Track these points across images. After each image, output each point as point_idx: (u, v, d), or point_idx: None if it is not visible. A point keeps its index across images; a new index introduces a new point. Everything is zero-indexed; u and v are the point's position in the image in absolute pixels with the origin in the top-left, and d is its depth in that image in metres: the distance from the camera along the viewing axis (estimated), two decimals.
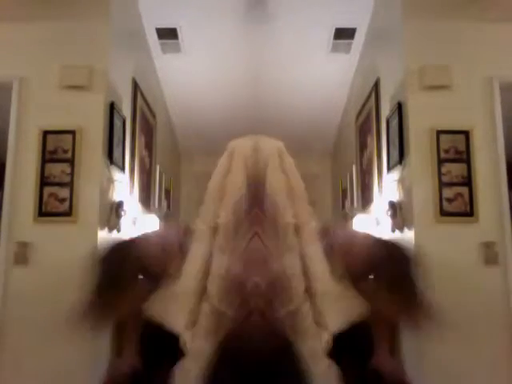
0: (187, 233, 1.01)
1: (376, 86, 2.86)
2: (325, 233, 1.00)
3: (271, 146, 1.03)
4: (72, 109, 2.24)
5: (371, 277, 1.04)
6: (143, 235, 1.09)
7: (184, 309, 0.93)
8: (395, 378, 1.09)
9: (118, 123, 2.39)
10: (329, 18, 3.00)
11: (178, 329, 0.93)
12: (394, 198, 2.43)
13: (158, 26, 3.07)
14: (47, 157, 2.18)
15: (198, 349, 0.91)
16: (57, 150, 2.18)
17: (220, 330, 0.91)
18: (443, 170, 2.19)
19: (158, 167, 3.25)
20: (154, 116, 3.37)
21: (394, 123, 2.41)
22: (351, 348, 1.06)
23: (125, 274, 1.00)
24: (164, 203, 3.36)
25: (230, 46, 3.32)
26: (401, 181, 2.35)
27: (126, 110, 2.61)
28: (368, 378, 1.10)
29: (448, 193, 2.17)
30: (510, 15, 2.35)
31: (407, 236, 2.24)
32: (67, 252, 2.11)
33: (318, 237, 0.98)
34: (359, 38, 3.18)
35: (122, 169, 2.52)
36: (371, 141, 2.96)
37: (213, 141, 2.94)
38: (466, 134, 2.22)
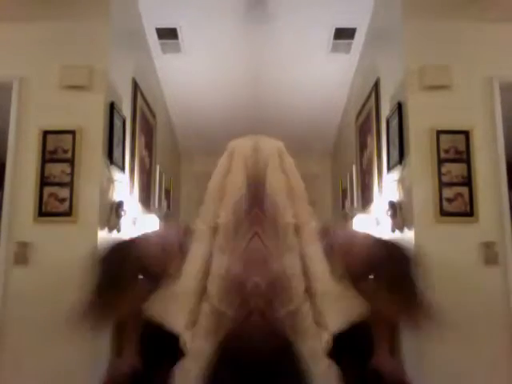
0: (187, 233, 1.01)
1: (376, 86, 2.86)
2: (325, 233, 1.00)
3: (271, 146, 1.03)
4: (72, 109, 2.24)
5: (371, 277, 1.04)
6: (143, 235, 1.09)
7: (184, 309, 0.93)
8: (395, 377, 1.09)
9: (118, 123, 2.39)
10: (329, 18, 3.00)
11: (178, 329, 0.93)
12: (394, 197, 2.43)
13: (158, 26, 3.07)
14: (47, 157, 2.18)
15: (198, 349, 0.91)
16: (57, 150, 2.18)
17: (220, 330, 0.91)
18: (443, 169, 2.19)
19: (157, 167, 3.25)
20: (154, 116, 3.37)
21: (394, 123, 2.41)
22: (351, 348, 1.06)
23: (125, 274, 1.00)
24: (164, 203, 3.36)
25: (230, 46, 3.32)
26: (401, 181, 2.36)
27: (126, 109, 2.61)
28: (368, 377, 1.10)
29: (448, 193, 2.17)
30: (510, 15, 2.35)
31: (407, 236, 2.24)
32: (67, 252, 2.11)
33: (318, 237, 0.98)
34: (359, 38, 3.18)
35: (122, 169, 2.52)
36: (371, 141, 2.97)
37: (213, 141, 2.94)
38: (466, 133, 2.22)
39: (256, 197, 0.96)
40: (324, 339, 0.93)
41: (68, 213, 2.13)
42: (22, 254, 2.12)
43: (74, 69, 2.25)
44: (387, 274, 0.99)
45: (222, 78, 3.64)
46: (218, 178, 1.01)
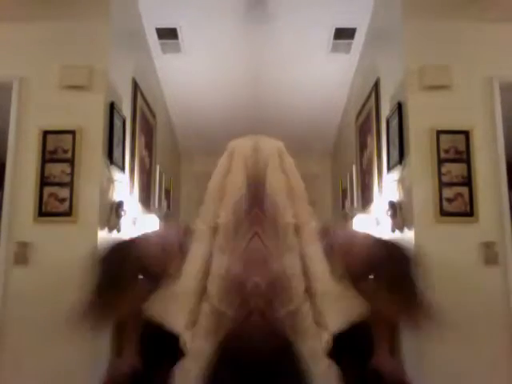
0: (187, 233, 1.01)
1: (376, 86, 2.86)
2: (325, 233, 1.00)
3: (271, 145, 1.03)
4: (72, 109, 2.24)
5: (371, 277, 1.04)
6: (143, 235, 1.09)
7: (184, 309, 0.93)
8: (395, 377, 1.08)
9: (118, 123, 2.40)
10: (329, 18, 3.00)
11: (178, 329, 0.93)
12: (393, 197, 2.43)
13: (158, 26, 3.07)
14: (47, 157, 2.18)
15: (197, 349, 0.91)
16: (57, 150, 2.18)
17: (220, 330, 0.90)
18: (443, 170, 2.19)
19: (157, 167, 3.25)
20: (154, 116, 3.37)
21: (394, 123, 2.41)
22: (351, 348, 1.06)
23: (125, 274, 1.00)
24: (164, 203, 3.36)
25: (230, 46, 3.32)
26: (401, 181, 2.36)
27: (126, 110, 2.61)
28: (368, 377, 1.10)
29: (448, 193, 2.17)
30: (510, 15, 2.35)
31: (407, 236, 2.24)
32: (67, 252, 2.11)
33: (318, 237, 0.98)
34: (359, 38, 3.18)
35: (122, 169, 2.52)
36: (371, 141, 2.97)
37: (213, 141, 2.94)
38: (466, 133, 2.22)
39: (256, 197, 0.96)
40: (324, 339, 0.93)
41: (68, 213, 2.13)
42: (22, 254, 2.12)
43: (74, 69, 2.26)
44: (387, 274, 0.99)
45: (222, 78, 3.64)
46: (217, 178, 1.01)
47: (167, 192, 3.64)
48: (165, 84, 3.70)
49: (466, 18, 2.35)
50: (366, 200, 3.15)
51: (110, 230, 2.29)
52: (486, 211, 2.17)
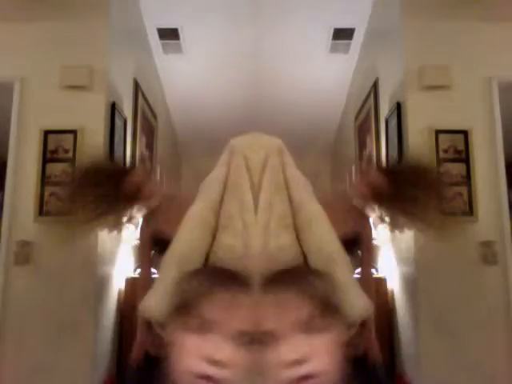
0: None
1: (375, 86, 2.87)
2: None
3: (271, 143, 1.04)
4: (73, 109, 2.25)
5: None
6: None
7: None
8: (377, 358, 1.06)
9: (119, 123, 2.40)
10: (327, 19, 3.01)
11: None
12: None
13: (160, 27, 3.08)
14: (48, 156, 2.18)
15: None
16: (58, 150, 2.19)
17: None
18: (442, 169, 2.19)
19: (158, 167, 3.26)
20: (155, 117, 3.38)
21: (393, 123, 2.42)
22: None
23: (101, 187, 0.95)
24: None
25: (231, 46, 3.33)
26: None
27: (127, 110, 2.62)
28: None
29: (447, 192, 2.17)
30: (510, 15, 2.36)
31: (407, 236, 2.25)
32: (68, 252, 2.12)
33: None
34: (358, 39, 3.19)
35: None
36: (370, 141, 2.97)
37: (213, 141, 2.94)
38: (465, 133, 2.23)
39: (255, 195, 0.97)
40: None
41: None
42: (22, 254, 2.13)
43: (75, 69, 2.26)
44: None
45: (222, 78, 3.65)
46: (215, 174, 1.01)
47: None
48: (166, 84, 3.70)
49: (465, 18, 2.36)
50: None
51: (110, 230, 2.29)
52: (485, 210, 2.18)
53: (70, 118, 2.23)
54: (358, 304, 0.85)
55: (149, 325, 0.91)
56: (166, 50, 3.32)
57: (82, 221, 0.92)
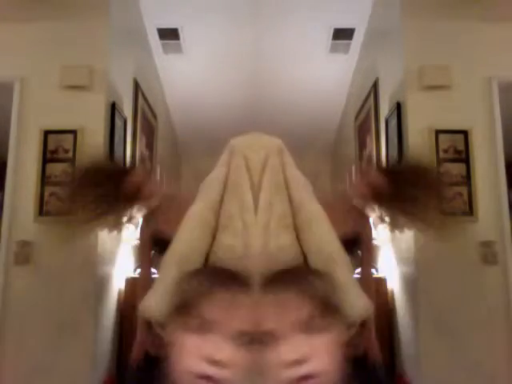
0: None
1: (375, 86, 2.87)
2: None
3: (271, 143, 1.04)
4: (73, 109, 2.25)
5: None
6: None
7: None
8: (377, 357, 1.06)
9: (119, 123, 2.40)
10: (327, 19, 3.01)
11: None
12: None
13: (160, 27, 3.08)
14: (48, 156, 2.18)
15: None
16: (58, 150, 2.19)
17: None
18: (442, 169, 2.19)
19: (158, 167, 3.26)
20: (155, 117, 3.38)
21: (393, 123, 2.42)
22: None
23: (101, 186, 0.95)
24: None
25: (231, 46, 3.33)
26: None
27: (127, 110, 2.62)
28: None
29: (447, 192, 2.17)
30: (510, 15, 2.36)
31: (407, 236, 2.25)
32: (68, 252, 2.12)
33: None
34: (358, 39, 3.19)
35: None
36: (370, 141, 2.97)
37: (213, 141, 2.94)
38: (465, 133, 2.23)
39: (255, 195, 0.97)
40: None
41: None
42: (22, 254, 2.13)
43: (75, 69, 2.26)
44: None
45: (222, 78, 3.65)
46: (215, 174, 1.01)
47: None
48: (166, 84, 3.71)
49: (465, 18, 2.36)
50: None
51: (110, 230, 2.29)
52: (485, 210, 2.18)
53: (70, 117, 2.23)
54: (357, 304, 0.85)
55: (149, 325, 0.91)
56: (166, 49, 3.32)
57: (82, 221, 0.92)
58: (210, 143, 3.58)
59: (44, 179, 2.16)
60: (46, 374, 2.03)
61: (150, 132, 3.22)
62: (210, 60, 3.48)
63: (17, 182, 2.19)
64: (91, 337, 2.09)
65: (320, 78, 3.65)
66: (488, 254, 2.16)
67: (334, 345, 0.72)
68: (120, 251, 2.52)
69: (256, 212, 0.90)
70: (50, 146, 2.19)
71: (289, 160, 1.04)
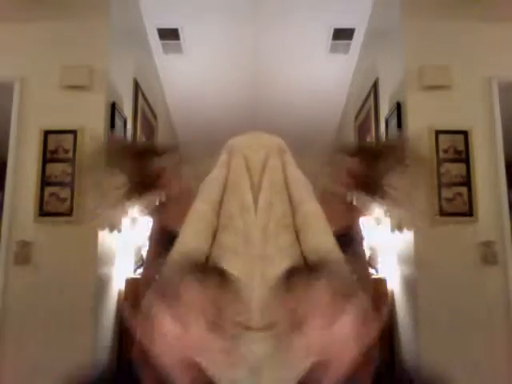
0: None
1: (375, 86, 2.87)
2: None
3: (271, 143, 1.03)
4: (73, 109, 2.25)
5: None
6: None
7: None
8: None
9: (119, 123, 2.40)
10: (327, 19, 3.01)
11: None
12: None
13: (160, 27, 3.08)
14: (48, 156, 2.18)
15: None
16: (58, 150, 2.19)
17: None
18: (442, 169, 2.19)
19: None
20: (155, 117, 3.38)
21: (393, 123, 2.42)
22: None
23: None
24: None
25: (231, 46, 3.33)
26: None
27: (127, 110, 2.62)
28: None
29: (447, 193, 2.18)
30: (510, 15, 2.36)
31: (407, 236, 2.25)
32: (68, 252, 2.12)
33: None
34: (358, 39, 3.19)
35: None
36: (370, 141, 2.97)
37: (213, 141, 2.94)
38: (465, 133, 2.23)
39: (255, 195, 0.96)
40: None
41: (69, 213, 2.14)
42: (22, 254, 2.13)
43: (75, 69, 2.27)
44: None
45: (222, 78, 3.65)
46: (215, 175, 1.00)
47: None
48: (166, 84, 3.70)
49: (465, 18, 2.36)
50: None
51: (111, 230, 2.29)
52: (485, 211, 2.18)
53: (70, 117, 2.23)
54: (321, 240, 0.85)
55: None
56: (166, 50, 3.32)
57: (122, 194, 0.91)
58: (209, 143, 3.57)
59: (44, 179, 2.16)
60: (46, 374, 2.02)
61: (150, 132, 3.22)
62: (210, 60, 3.48)
63: (17, 182, 2.19)
64: (91, 337, 2.09)
65: (320, 78, 3.65)
66: (488, 254, 2.16)
67: (355, 329, 0.72)
68: (120, 251, 2.52)
69: (256, 212, 0.90)
70: (50, 146, 2.19)
71: (289, 159, 1.04)
